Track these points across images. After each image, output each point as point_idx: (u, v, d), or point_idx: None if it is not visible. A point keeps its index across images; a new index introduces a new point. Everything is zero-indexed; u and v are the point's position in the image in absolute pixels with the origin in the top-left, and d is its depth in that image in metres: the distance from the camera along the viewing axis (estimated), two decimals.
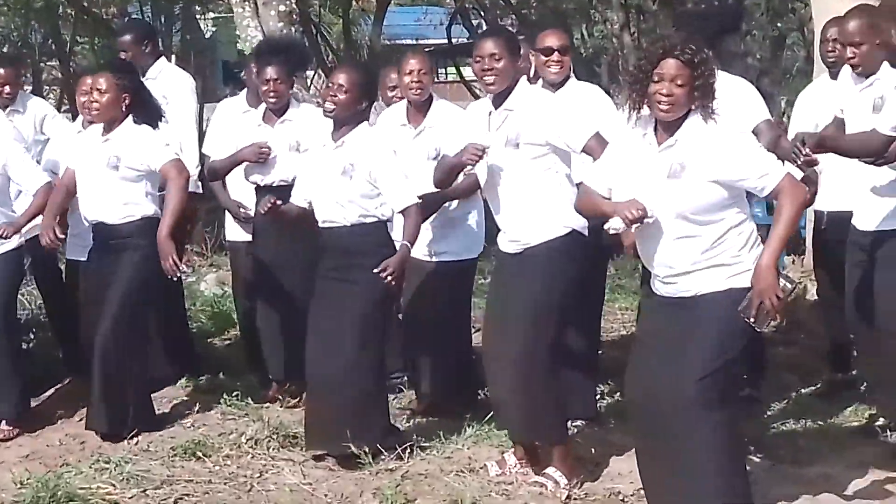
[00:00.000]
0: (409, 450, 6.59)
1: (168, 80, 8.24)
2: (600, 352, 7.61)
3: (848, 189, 6.63)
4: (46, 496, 5.99)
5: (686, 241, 5.16)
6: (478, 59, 6.03)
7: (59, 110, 12.05)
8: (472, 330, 7.71)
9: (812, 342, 8.59)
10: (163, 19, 19.87)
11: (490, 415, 6.62)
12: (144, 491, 6.22)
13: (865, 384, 7.36)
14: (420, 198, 6.55)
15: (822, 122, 6.80)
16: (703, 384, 5.09)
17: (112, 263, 7.06)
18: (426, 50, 15.42)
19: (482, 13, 22.19)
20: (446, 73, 30.24)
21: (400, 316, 7.42)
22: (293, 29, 10.50)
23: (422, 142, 7.27)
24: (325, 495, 6.18)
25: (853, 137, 6.26)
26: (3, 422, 7.27)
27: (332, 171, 6.57)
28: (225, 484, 6.33)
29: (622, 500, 6.03)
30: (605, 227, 5.26)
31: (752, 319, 5.05)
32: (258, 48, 8.33)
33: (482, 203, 7.09)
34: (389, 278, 6.35)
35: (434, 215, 7.09)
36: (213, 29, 29.19)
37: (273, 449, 6.75)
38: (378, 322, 6.58)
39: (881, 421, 6.82)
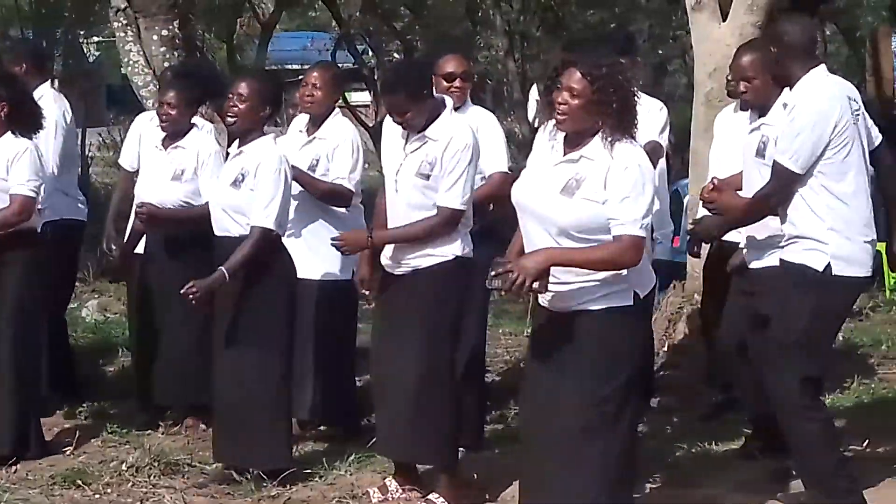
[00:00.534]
0: (291, 476, 6.52)
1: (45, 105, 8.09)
2: (487, 378, 7.61)
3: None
4: None
5: None
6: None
7: None
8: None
9: (693, 364, 8.67)
10: (44, 43, 19.57)
11: (373, 441, 6.53)
12: None
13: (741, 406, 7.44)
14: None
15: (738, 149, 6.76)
16: (587, 409, 5.02)
17: None
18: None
19: (367, 39, 22.21)
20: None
21: None
22: (176, 54, 10.36)
23: (307, 151, 7.31)
24: None
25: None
26: None
27: (224, 180, 6.55)
28: None
29: None
30: (486, 283, 5.00)
31: (493, 273, 4.93)
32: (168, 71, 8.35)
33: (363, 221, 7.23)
34: (192, 298, 6.28)
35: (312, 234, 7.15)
36: (97, 53, 28.89)
37: (154, 476, 6.66)
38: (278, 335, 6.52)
39: (757, 443, 6.90)
